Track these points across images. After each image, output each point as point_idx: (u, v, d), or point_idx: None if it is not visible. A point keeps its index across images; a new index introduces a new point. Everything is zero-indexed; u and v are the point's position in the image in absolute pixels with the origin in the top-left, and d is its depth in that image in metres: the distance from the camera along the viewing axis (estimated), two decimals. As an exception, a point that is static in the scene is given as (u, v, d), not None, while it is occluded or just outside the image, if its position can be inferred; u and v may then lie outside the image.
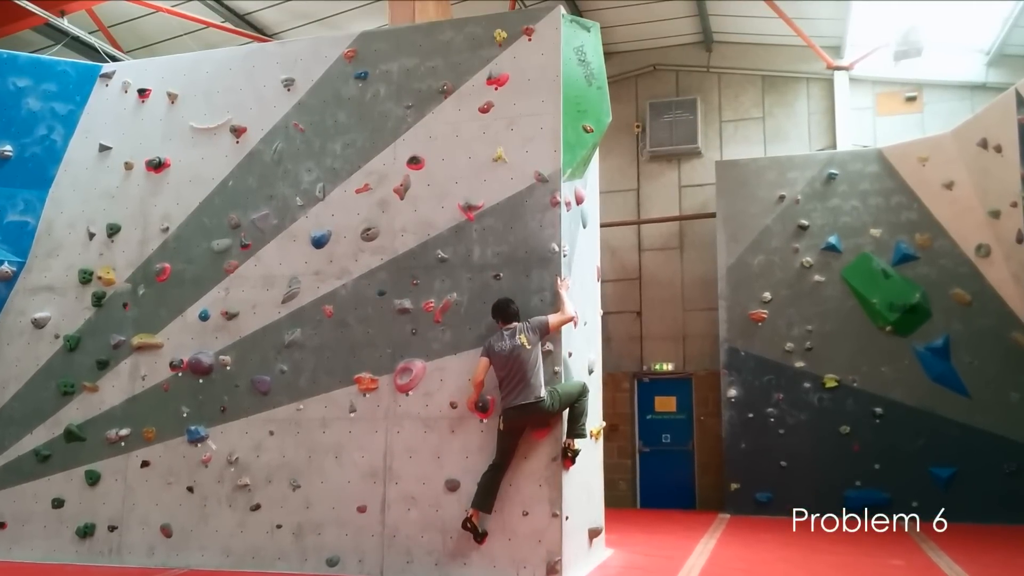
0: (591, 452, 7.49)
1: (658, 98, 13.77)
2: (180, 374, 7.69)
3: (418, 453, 6.98)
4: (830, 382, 11.43)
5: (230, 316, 7.64)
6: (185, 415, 7.60)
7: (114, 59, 10.53)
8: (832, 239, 11.69)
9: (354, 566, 6.95)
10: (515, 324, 6.68)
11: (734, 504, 11.60)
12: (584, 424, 6.72)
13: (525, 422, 6.60)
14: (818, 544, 8.79)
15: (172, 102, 8.18)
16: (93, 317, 8.01)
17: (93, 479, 7.71)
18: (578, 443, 6.72)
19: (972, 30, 11.93)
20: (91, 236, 8.14)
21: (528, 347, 6.51)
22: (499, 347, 6.59)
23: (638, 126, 13.87)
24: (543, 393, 6.50)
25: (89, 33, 11.08)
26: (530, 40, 7.28)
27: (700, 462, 12.71)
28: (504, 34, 7.35)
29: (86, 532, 7.63)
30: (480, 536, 6.58)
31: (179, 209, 7.96)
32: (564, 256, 6.97)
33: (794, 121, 13.32)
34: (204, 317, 7.71)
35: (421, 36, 7.63)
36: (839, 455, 11.21)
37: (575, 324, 6.96)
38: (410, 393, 7.09)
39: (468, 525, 6.53)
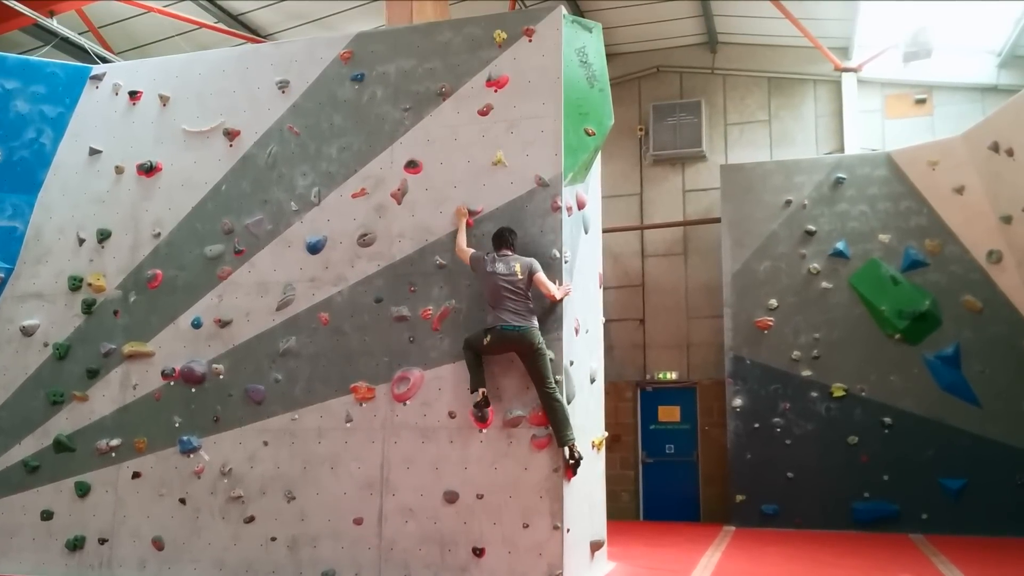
0: (593, 463, 7.35)
1: (662, 100, 13.62)
2: (172, 383, 7.55)
3: (416, 464, 6.84)
4: (838, 391, 11.25)
5: (223, 324, 7.50)
6: (177, 425, 7.46)
7: (104, 60, 10.41)
8: (840, 245, 11.52)
9: (350, 580, 6.80)
10: (511, 253, 6.64)
11: (739, 516, 11.41)
12: (568, 430, 6.42)
13: (511, 348, 6.54)
14: (825, 557, 8.68)
15: (164, 104, 8.03)
16: (83, 325, 7.86)
17: (83, 491, 7.57)
18: (580, 452, 6.51)
19: (983, 31, 11.79)
20: (81, 242, 8.00)
21: (521, 277, 6.53)
22: (495, 267, 6.57)
23: (641, 129, 13.72)
24: (535, 323, 6.54)
25: (79, 34, 10.95)
26: (530, 41, 7.14)
27: (705, 473, 12.56)
28: (504, 35, 7.20)
29: (76, 545, 7.48)
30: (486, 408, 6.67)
31: (171, 214, 7.82)
32: (565, 262, 6.84)
33: (801, 124, 13.16)
34: (197, 325, 7.56)
35: (419, 37, 7.50)
36: (847, 466, 11.03)
37: (553, 300, 6.75)
38: (408, 402, 6.95)
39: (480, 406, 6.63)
